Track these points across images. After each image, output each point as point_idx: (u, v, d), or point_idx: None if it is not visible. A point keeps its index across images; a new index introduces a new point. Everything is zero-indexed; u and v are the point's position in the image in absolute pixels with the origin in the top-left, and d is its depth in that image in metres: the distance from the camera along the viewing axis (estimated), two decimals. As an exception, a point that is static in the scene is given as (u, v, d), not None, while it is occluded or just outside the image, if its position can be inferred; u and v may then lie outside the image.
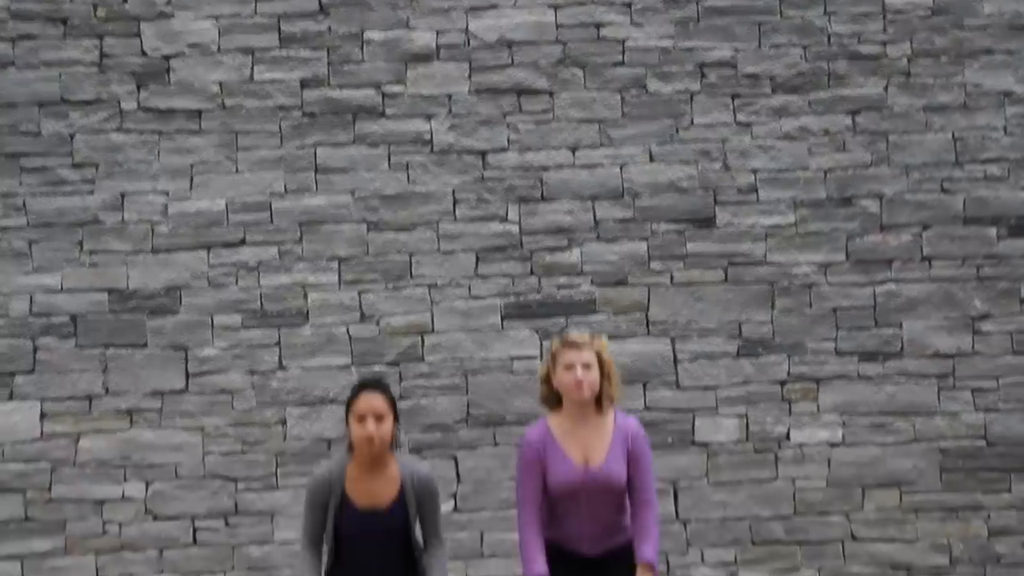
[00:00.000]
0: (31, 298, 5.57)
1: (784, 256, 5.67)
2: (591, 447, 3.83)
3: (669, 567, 5.60)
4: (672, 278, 5.68)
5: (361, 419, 3.71)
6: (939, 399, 5.63)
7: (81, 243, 5.60)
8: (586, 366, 3.80)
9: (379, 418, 3.71)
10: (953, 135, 5.76)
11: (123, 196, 5.63)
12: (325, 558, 3.77)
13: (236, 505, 5.58)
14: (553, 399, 3.96)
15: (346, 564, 3.76)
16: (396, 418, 3.82)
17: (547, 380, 3.95)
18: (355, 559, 3.74)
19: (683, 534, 5.62)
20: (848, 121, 5.77)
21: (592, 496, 3.78)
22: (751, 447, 5.64)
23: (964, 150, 5.75)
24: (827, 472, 5.63)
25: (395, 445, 3.89)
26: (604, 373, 3.87)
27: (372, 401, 3.72)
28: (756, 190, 5.69)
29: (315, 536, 3.78)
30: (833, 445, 5.63)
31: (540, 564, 3.79)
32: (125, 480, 5.57)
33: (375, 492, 3.77)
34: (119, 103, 5.68)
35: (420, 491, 3.80)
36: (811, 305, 5.66)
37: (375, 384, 3.86)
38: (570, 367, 3.81)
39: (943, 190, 5.72)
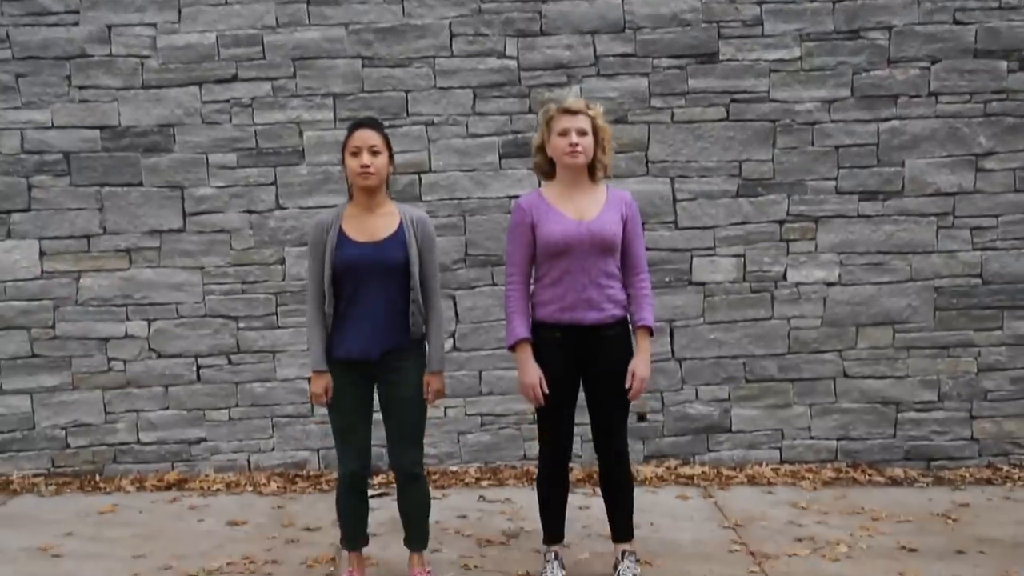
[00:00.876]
0: (22, 135, 5.51)
1: (787, 92, 5.56)
2: (585, 207, 3.86)
3: (664, 404, 5.72)
4: (673, 116, 5.59)
5: (356, 153, 3.74)
6: (937, 237, 5.63)
7: (69, 78, 5.50)
8: (581, 132, 3.80)
9: (374, 152, 3.74)
10: (969, -39, 5.59)
11: (109, 29, 5.48)
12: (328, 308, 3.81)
13: (238, 343, 5.66)
14: (547, 168, 3.97)
15: (347, 304, 3.78)
16: (391, 158, 3.85)
17: (541, 148, 3.95)
18: (355, 295, 3.77)
19: (678, 372, 5.72)
20: (858, -50, 5.59)
21: (586, 253, 3.80)
22: (748, 287, 5.68)
23: (979, -23, 5.58)
24: (822, 311, 5.68)
25: (389, 188, 3.91)
26: (598, 141, 3.86)
27: (367, 135, 3.75)
28: (761, 23, 5.53)
29: (319, 285, 3.81)
30: (829, 284, 5.67)
31: (522, 330, 3.88)
32: (127, 319, 5.63)
33: (373, 228, 3.80)
34: (102, -69, 5.49)
35: (420, 231, 3.83)
36: (813, 143, 5.59)
37: (370, 121, 3.87)
38: (565, 133, 3.80)
39: (955, 21, 5.55)
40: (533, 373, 3.86)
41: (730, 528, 4.77)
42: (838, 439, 5.75)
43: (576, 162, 3.81)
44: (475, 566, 4.31)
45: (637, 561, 4.09)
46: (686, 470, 5.63)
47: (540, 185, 4.12)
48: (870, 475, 5.60)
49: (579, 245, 3.79)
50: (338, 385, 3.85)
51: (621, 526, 4.10)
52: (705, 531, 4.74)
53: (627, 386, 3.88)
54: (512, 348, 3.93)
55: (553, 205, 3.87)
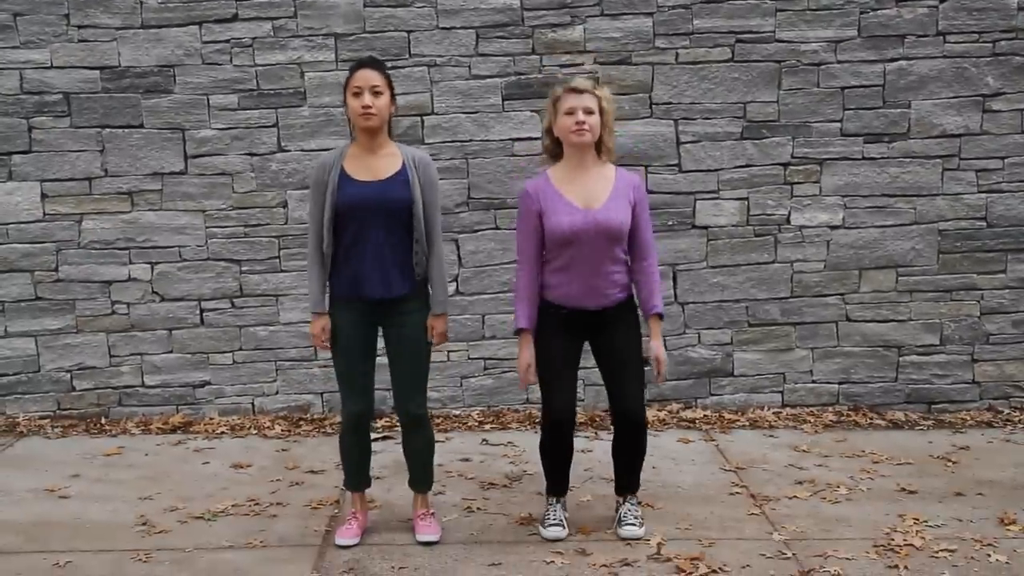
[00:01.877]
0: (21, 75, 5.46)
1: (793, 32, 5.48)
2: (592, 193, 3.84)
3: (666, 348, 5.70)
4: (677, 56, 5.51)
5: (357, 93, 3.70)
6: (942, 180, 5.59)
7: (68, 16, 5.42)
8: (588, 111, 3.77)
9: (376, 92, 3.70)
10: None
11: (105, -35, 5.42)
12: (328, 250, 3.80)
13: (241, 287, 5.66)
14: (555, 150, 3.95)
15: (349, 244, 3.77)
16: (393, 99, 3.81)
17: (549, 131, 3.93)
18: (357, 236, 3.75)
19: (681, 316, 5.72)
20: None
21: (592, 241, 3.79)
22: (751, 230, 5.65)
23: (992, -89, 5.46)
24: (826, 254, 5.66)
25: (391, 130, 3.89)
26: (604, 122, 3.84)
27: (368, 75, 3.71)
28: (768, -39, 5.46)
29: (319, 226, 3.79)
30: (833, 227, 5.64)
31: (524, 320, 3.91)
32: (130, 262, 5.62)
33: (375, 167, 3.78)
34: None
35: (422, 172, 3.81)
36: (819, 84, 5.52)
37: (372, 61, 3.83)
38: (571, 112, 3.78)
39: (965, -44, 5.47)
40: (525, 359, 3.91)
41: (731, 471, 4.81)
42: (840, 382, 5.77)
43: (583, 140, 3.77)
44: (478, 508, 4.35)
45: (639, 504, 4.13)
46: (688, 413, 5.66)
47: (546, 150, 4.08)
48: (871, 418, 5.63)
49: (586, 235, 3.78)
50: (340, 326, 3.84)
51: (627, 481, 4.12)
52: (706, 474, 4.78)
53: (653, 372, 3.94)
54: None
55: (560, 191, 3.83)
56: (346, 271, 3.79)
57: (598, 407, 5.68)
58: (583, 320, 3.89)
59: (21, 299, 5.62)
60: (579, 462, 4.86)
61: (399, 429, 5.45)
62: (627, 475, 4.10)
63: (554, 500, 4.10)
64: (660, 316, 3.95)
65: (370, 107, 3.67)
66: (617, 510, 4.09)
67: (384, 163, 3.78)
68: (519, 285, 3.95)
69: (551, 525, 4.01)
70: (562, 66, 5.49)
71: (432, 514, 4.09)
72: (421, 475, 4.08)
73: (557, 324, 3.90)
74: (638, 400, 3.92)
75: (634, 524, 4.01)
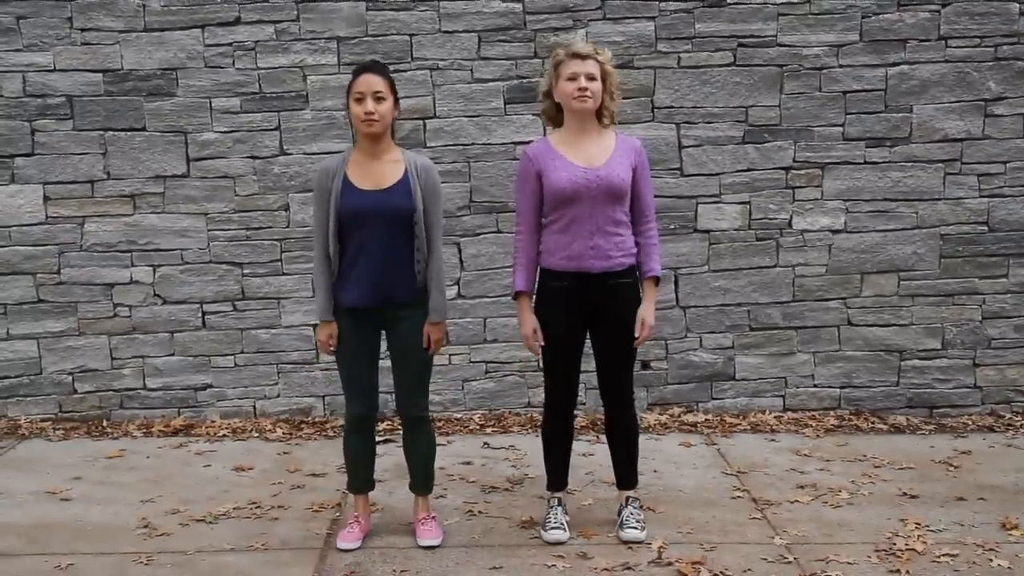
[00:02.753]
0: (24, 78, 5.46)
1: (795, 37, 5.48)
2: (593, 154, 3.83)
3: (668, 352, 5.74)
4: (679, 60, 5.52)
5: (360, 99, 3.69)
6: (944, 184, 5.59)
7: (71, 19, 5.43)
8: (590, 76, 3.75)
9: (379, 98, 3.69)
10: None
11: (110, -31, 5.43)
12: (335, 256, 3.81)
13: (243, 290, 5.66)
14: (554, 113, 3.92)
15: (353, 252, 3.77)
16: (396, 103, 3.80)
17: (549, 94, 3.90)
18: (360, 243, 3.75)
19: (683, 320, 5.72)
20: None
21: (595, 200, 3.77)
22: (753, 234, 5.66)
23: (993, -86, 5.47)
24: (827, 259, 5.66)
25: (394, 134, 3.89)
26: (606, 87, 3.82)
27: (371, 80, 3.70)
28: (770, -34, 5.47)
29: (324, 233, 3.79)
30: (835, 232, 5.64)
31: (522, 283, 3.90)
32: (132, 264, 5.63)
33: (378, 174, 3.77)
34: None
35: (424, 179, 3.79)
36: (820, 88, 5.52)
37: (375, 66, 3.82)
38: (574, 77, 3.75)
39: (966, -37, 5.48)
40: (528, 324, 3.89)
41: (733, 475, 4.81)
42: (841, 387, 5.76)
43: (585, 107, 3.76)
44: (479, 512, 4.35)
45: (641, 507, 4.13)
46: (689, 417, 5.66)
47: (545, 134, 4.08)
48: (873, 422, 5.63)
49: (587, 192, 3.75)
50: (344, 332, 3.85)
51: (625, 474, 4.13)
52: (708, 478, 4.78)
53: (635, 335, 3.90)
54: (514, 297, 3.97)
55: (561, 152, 3.83)
56: (350, 277, 3.79)
57: (599, 410, 5.67)
58: (585, 293, 3.84)
59: (23, 301, 5.62)
60: (580, 465, 4.87)
61: (401, 432, 5.46)
62: (623, 464, 4.11)
63: (555, 503, 4.10)
64: (656, 280, 3.94)
65: (373, 113, 3.67)
66: (619, 514, 4.09)
67: (387, 170, 3.77)
68: (518, 248, 3.93)
69: (552, 528, 4.01)
70: (564, 70, 5.50)
71: (433, 518, 4.09)
72: (422, 478, 4.08)
73: (559, 299, 3.87)
74: (629, 386, 4.01)
75: (635, 527, 4.00)
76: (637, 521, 4.02)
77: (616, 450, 4.11)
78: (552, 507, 4.09)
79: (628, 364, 4.00)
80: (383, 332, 3.93)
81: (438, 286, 3.87)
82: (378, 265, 3.75)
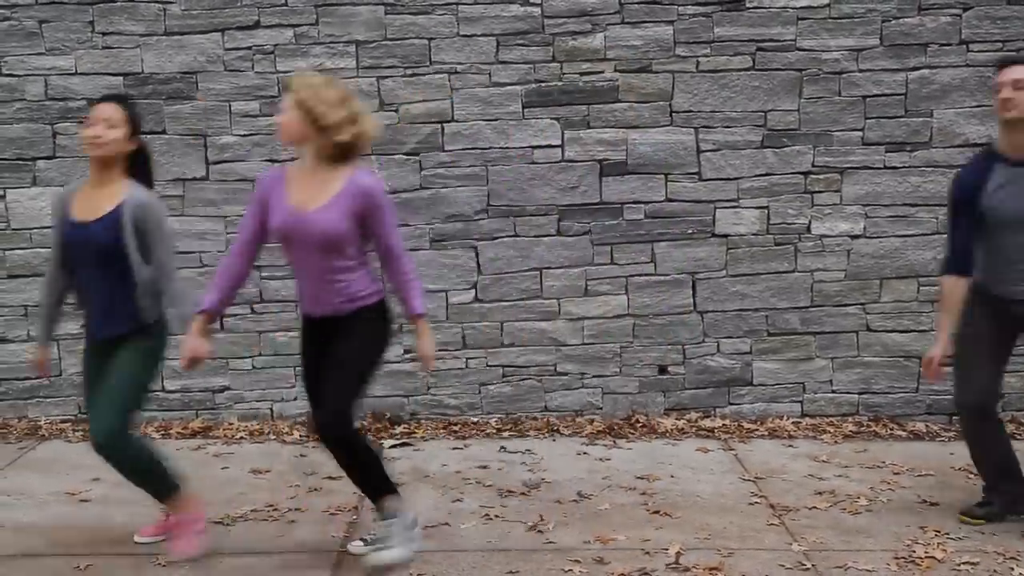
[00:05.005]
0: (46, 81, 5.50)
1: (815, 41, 5.46)
2: (311, 196, 3.57)
3: (685, 356, 5.72)
4: (698, 64, 5.51)
5: (90, 124, 3.69)
6: (965, 190, 5.56)
7: (92, 23, 5.47)
8: (286, 110, 3.55)
9: (110, 126, 3.67)
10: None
11: (132, -26, 5.47)
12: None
13: (261, 293, 5.69)
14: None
15: (80, 281, 3.79)
16: (133, 137, 3.76)
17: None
18: (78, 274, 3.78)
19: (700, 324, 5.70)
20: None
21: (306, 245, 3.56)
22: (771, 239, 5.64)
23: (1014, -80, 5.43)
24: (846, 264, 5.64)
25: (149, 181, 3.85)
26: (310, 120, 3.50)
27: (104, 109, 3.70)
28: (789, -30, 5.45)
29: (55, 260, 3.87)
30: (854, 237, 5.62)
31: (208, 301, 3.70)
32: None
33: (94, 206, 3.72)
34: None
35: (137, 214, 3.68)
36: (840, 93, 5.50)
37: (114, 97, 3.81)
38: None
39: (987, -33, 5.44)
40: (188, 345, 3.67)
41: (750, 481, 4.79)
42: (860, 393, 5.73)
43: (285, 142, 3.61)
44: (496, 516, 4.34)
45: (399, 521, 3.76)
46: (707, 423, 5.64)
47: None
48: (891, 429, 5.60)
49: (297, 237, 3.56)
50: (88, 359, 3.90)
51: (365, 493, 3.82)
52: (725, 483, 4.76)
53: (425, 368, 3.79)
54: None
55: (285, 189, 3.63)
56: (85, 308, 3.84)
57: (616, 415, 5.67)
58: (320, 327, 3.70)
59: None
60: (597, 470, 4.87)
61: (419, 436, 5.47)
62: (358, 487, 3.80)
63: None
64: (421, 316, 3.73)
65: (98, 136, 3.64)
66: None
67: (103, 203, 3.71)
68: (219, 267, 3.77)
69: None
70: (582, 74, 5.50)
71: (182, 524, 3.95)
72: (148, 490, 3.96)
73: (303, 333, 3.79)
74: (331, 411, 3.55)
75: (382, 548, 3.69)
76: (384, 540, 3.72)
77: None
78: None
79: (340, 391, 3.60)
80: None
81: (180, 304, 3.77)
82: (96, 299, 3.76)
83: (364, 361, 3.65)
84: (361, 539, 3.99)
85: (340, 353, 3.63)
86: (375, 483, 3.72)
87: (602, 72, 5.52)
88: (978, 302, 4.11)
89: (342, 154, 3.57)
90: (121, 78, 5.51)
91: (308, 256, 3.58)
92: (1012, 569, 3.75)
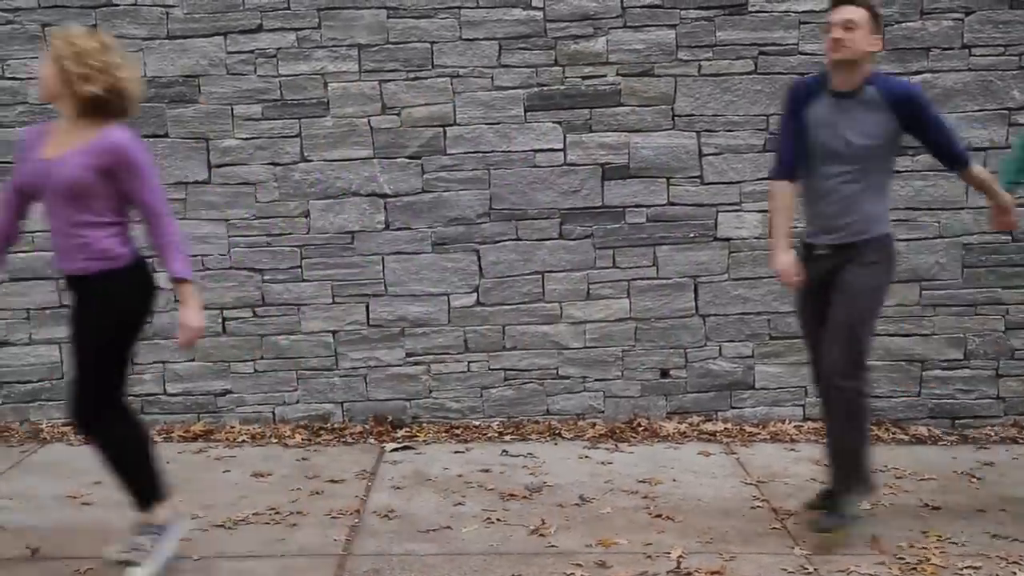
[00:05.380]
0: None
1: (817, 45, 5.46)
2: (61, 146, 3.52)
3: (687, 360, 5.72)
4: (700, 68, 5.51)
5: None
6: (967, 194, 5.54)
7: (95, 27, 5.47)
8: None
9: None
10: (1007, -93, 5.43)
11: (135, -22, 5.48)
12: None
13: (263, 296, 5.69)
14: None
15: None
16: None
17: None
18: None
19: (702, 328, 5.70)
20: (893, -102, 5.45)
21: (54, 197, 3.49)
22: (773, 243, 5.64)
23: (1018, -79, 5.43)
24: (848, 268, 5.63)
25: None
26: (63, 77, 3.47)
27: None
28: (791, -27, 5.45)
29: None
30: (856, 241, 5.61)
31: None
32: (153, 270, 5.62)
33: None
34: None
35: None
36: (842, 97, 5.51)
37: None
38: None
39: (990, -29, 5.44)
40: None
41: (752, 484, 4.78)
42: (862, 396, 5.73)
43: (42, 99, 3.62)
44: (498, 519, 4.34)
45: (158, 532, 3.76)
46: (708, 426, 5.64)
47: None
48: (894, 433, 5.59)
49: (41, 187, 3.52)
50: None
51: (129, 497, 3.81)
52: (727, 487, 4.75)
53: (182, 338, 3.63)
54: None
55: (46, 139, 3.59)
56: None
57: (618, 419, 5.67)
58: (74, 287, 3.60)
59: (45, 306, 5.66)
60: (599, 474, 4.86)
61: (420, 439, 5.47)
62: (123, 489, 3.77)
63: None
64: (183, 281, 3.59)
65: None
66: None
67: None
68: None
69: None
70: (584, 78, 5.50)
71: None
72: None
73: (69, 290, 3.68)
74: (78, 402, 3.55)
75: (135, 563, 3.65)
76: (136, 551, 3.68)
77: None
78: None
79: (96, 366, 3.57)
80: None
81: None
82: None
83: (96, 336, 3.55)
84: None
85: (80, 320, 3.57)
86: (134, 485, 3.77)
87: (604, 76, 5.52)
88: (801, 257, 4.17)
89: (98, 109, 3.51)
90: (124, 81, 5.51)
91: (56, 209, 3.52)
92: (1015, 574, 3.75)
